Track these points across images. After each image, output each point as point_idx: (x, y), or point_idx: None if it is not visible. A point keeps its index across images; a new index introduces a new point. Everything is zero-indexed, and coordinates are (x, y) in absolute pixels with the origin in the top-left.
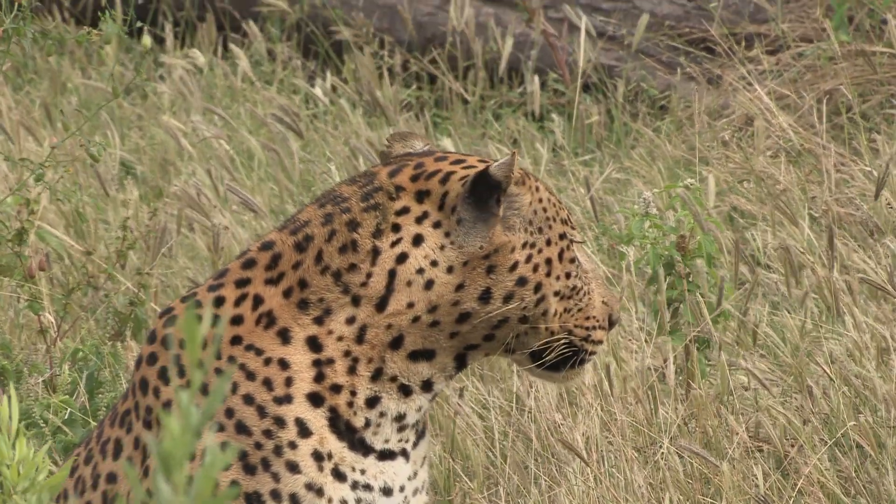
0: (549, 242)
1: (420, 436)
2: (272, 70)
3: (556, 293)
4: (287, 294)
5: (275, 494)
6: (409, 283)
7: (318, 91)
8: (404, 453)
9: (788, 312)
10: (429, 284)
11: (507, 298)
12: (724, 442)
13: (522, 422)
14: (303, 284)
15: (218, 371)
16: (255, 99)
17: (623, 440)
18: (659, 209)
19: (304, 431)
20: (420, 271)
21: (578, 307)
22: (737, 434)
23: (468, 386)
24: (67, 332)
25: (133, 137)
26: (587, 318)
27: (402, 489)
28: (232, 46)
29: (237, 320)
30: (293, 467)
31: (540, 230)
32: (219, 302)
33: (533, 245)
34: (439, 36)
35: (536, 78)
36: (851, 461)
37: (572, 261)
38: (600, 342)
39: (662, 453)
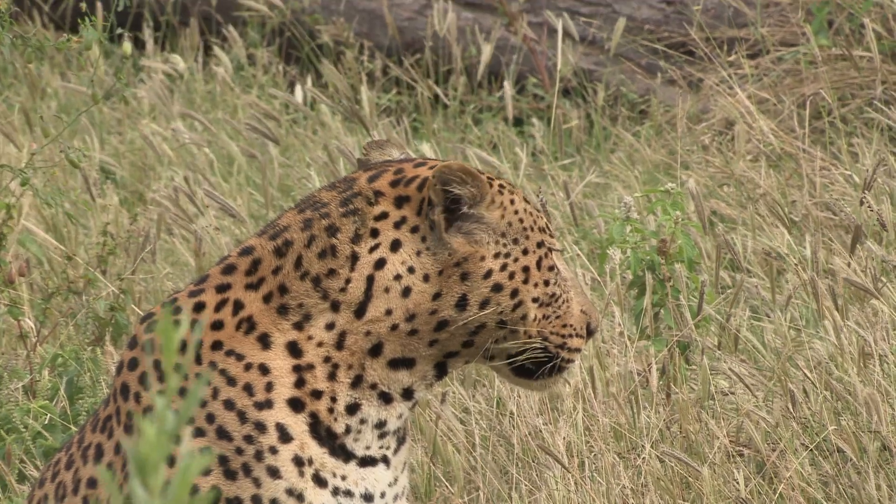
0: (525, 252)
1: (401, 442)
2: (252, 75)
3: (535, 300)
4: (267, 299)
5: (256, 500)
6: (386, 290)
7: (297, 97)
8: (385, 460)
9: (769, 317)
10: (406, 292)
11: (484, 304)
12: (706, 446)
13: (504, 426)
14: (283, 289)
15: (198, 376)
16: (235, 104)
17: (604, 445)
18: (639, 213)
19: (285, 436)
20: (397, 277)
21: (556, 314)
22: (718, 438)
23: (450, 390)
24: (47, 338)
25: (113, 142)
26: (564, 326)
27: (382, 495)
28: (215, 49)
29: (217, 325)
30: (274, 472)
31: (515, 241)
32: (199, 307)
33: (508, 255)
34: (418, 41)
35: (507, 84)
36: (832, 465)
37: (551, 268)
38: (577, 350)
39: (644, 458)
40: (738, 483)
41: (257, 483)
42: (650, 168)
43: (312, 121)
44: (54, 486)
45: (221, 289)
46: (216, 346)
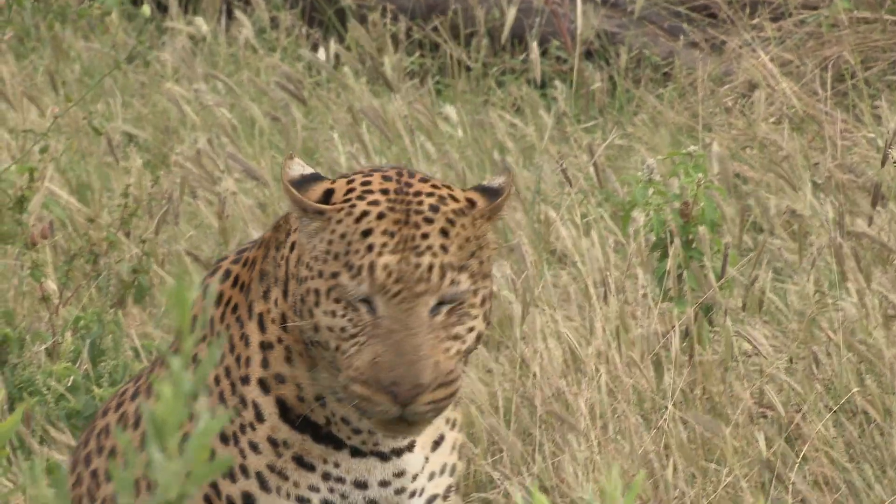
0: (321, 274)
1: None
2: (275, 38)
3: (329, 328)
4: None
5: (243, 469)
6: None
7: (320, 58)
8: (379, 455)
9: (792, 279)
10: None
11: (299, 314)
12: (729, 408)
13: (526, 388)
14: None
15: (219, 336)
16: (258, 67)
17: (627, 407)
18: (662, 176)
19: (259, 416)
20: (296, 266)
21: (347, 352)
22: (741, 400)
23: (474, 353)
24: (70, 300)
25: (136, 105)
26: (349, 368)
27: (385, 483)
28: (237, 13)
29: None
30: (254, 447)
31: (316, 259)
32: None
33: (310, 268)
34: (442, 3)
35: (536, 46)
36: (856, 427)
37: (338, 301)
38: (364, 398)
39: (666, 420)
40: (760, 445)
41: (242, 454)
42: (673, 130)
43: (336, 83)
44: (117, 415)
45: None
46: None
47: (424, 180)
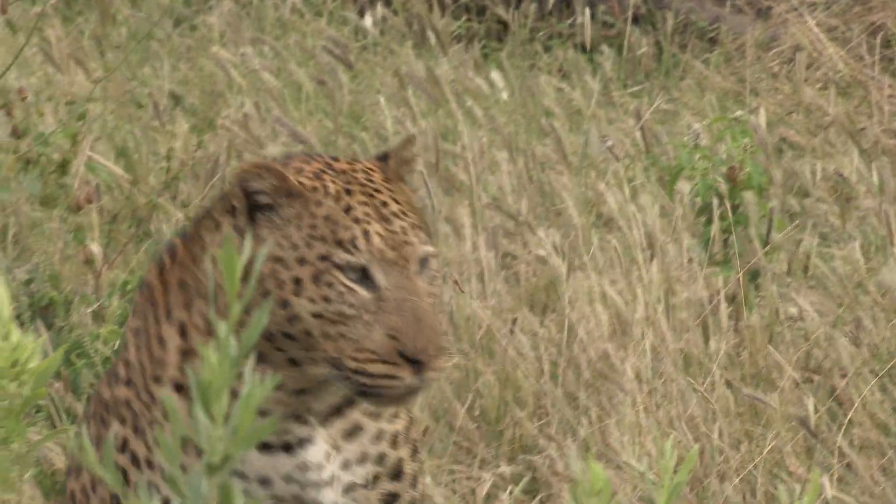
0: (301, 261)
1: (328, 419)
2: (322, 1)
3: (316, 315)
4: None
5: (149, 462)
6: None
7: (367, 22)
8: (285, 447)
9: (838, 244)
10: None
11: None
12: (774, 373)
13: (573, 352)
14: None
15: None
16: (304, 31)
17: (673, 371)
18: (708, 141)
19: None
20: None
21: (348, 336)
22: (787, 365)
23: (520, 316)
24: (115, 263)
25: (182, 69)
26: (359, 350)
27: (289, 479)
28: None
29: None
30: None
31: (295, 246)
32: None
33: (280, 260)
34: None
35: (588, 9)
36: None
37: (329, 285)
38: (390, 377)
39: (712, 384)
40: (807, 409)
41: (148, 448)
42: (719, 95)
43: (382, 47)
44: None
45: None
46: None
47: (335, 159)
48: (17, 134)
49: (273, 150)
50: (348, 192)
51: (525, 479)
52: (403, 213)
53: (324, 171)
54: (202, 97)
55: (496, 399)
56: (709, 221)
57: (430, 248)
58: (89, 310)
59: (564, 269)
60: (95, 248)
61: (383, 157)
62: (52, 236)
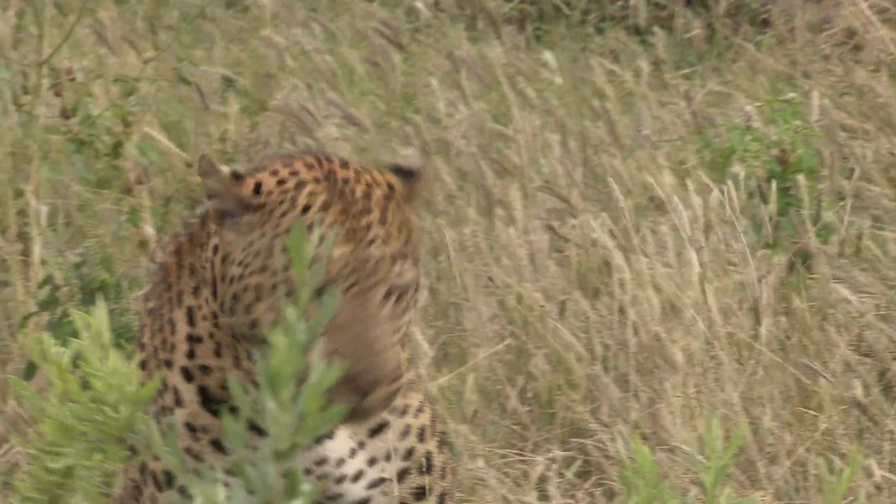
0: (263, 270)
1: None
2: None
3: (274, 324)
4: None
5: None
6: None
7: (419, 4)
8: None
9: (890, 226)
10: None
11: (230, 311)
12: (826, 355)
13: (624, 336)
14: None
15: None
16: (356, 12)
17: (725, 353)
18: (760, 123)
19: (179, 402)
20: (221, 262)
21: None
22: (837, 347)
23: (570, 299)
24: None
25: (234, 51)
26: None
27: (307, 471)
28: None
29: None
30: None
31: (257, 254)
32: None
33: (246, 265)
34: None
35: None
36: None
37: (288, 294)
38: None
39: (763, 366)
40: (857, 392)
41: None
42: (771, 78)
43: (434, 29)
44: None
45: None
46: None
47: (345, 165)
48: (66, 115)
49: (325, 132)
50: (325, 206)
51: (577, 463)
52: (385, 240)
53: (306, 181)
54: (254, 79)
55: (548, 382)
56: (761, 203)
57: (405, 279)
58: (141, 293)
59: (616, 253)
60: (149, 230)
61: (408, 173)
62: (104, 218)
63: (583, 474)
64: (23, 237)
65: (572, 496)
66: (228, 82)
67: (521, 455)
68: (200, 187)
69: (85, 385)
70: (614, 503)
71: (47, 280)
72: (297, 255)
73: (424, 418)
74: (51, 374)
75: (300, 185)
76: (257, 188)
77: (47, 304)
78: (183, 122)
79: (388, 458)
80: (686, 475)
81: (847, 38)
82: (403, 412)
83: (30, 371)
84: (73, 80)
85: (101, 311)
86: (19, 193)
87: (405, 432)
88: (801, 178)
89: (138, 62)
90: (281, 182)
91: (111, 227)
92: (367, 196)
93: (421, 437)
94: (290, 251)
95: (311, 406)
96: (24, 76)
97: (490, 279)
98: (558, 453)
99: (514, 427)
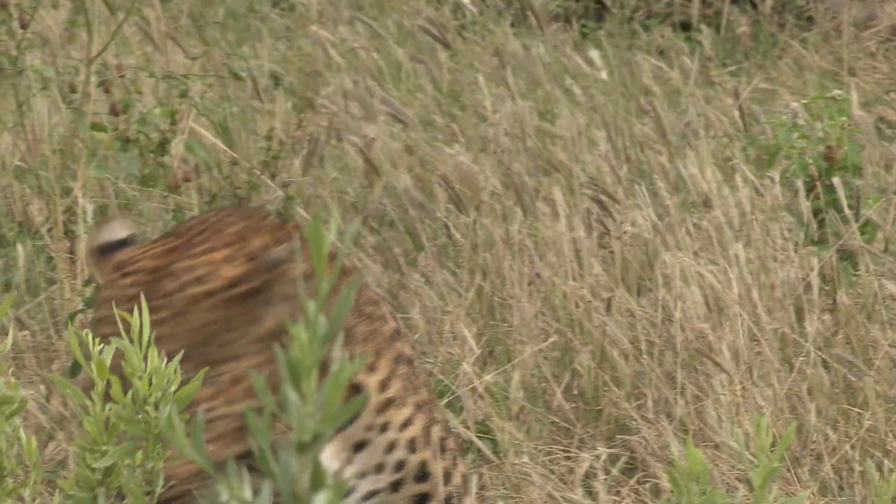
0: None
1: None
2: None
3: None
4: None
5: None
6: None
7: (465, 0)
8: None
9: None
10: None
11: None
12: (871, 351)
13: (669, 333)
14: None
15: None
16: (402, 10)
17: (770, 351)
18: (806, 120)
19: None
20: None
21: None
22: (883, 345)
23: (616, 295)
24: None
25: (281, 48)
26: None
27: None
28: None
29: None
30: None
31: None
32: None
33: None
34: None
35: None
36: None
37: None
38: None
39: (808, 364)
40: None
41: None
42: (817, 74)
43: (480, 26)
44: None
45: None
46: None
47: (210, 249)
48: (115, 112)
49: (373, 128)
50: (130, 298)
51: (622, 460)
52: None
53: (135, 271)
54: (300, 76)
55: (593, 379)
56: (806, 200)
57: None
58: None
59: (660, 249)
60: None
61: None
62: (151, 215)
63: (628, 471)
64: (69, 235)
65: (618, 493)
66: (276, 80)
67: (566, 452)
68: (247, 185)
69: (127, 384)
70: (660, 501)
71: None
72: (315, 247)
73: (414, 430)
74: (93, 373)
75: (128, 273)
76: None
77: (93, 303)
78: (230, 119)
79: (378, 470)
80: (731, 472)
81: (892, 35)
82: (384, 429)
83: (75, 369)
84: (122, 77)
85: (143, 311)
86: (66, 191)
87: (391, 447)
88: (845, 175)
89: (184, 60)
90: (121, 265)
91: (157, 224)
92: (169, 294)
93: (412, 448)
94: (309, 242)
95: (333, 397)
96: (73, 73)
97: (538, 275)
98: (604, 450)
99: (560, 424)
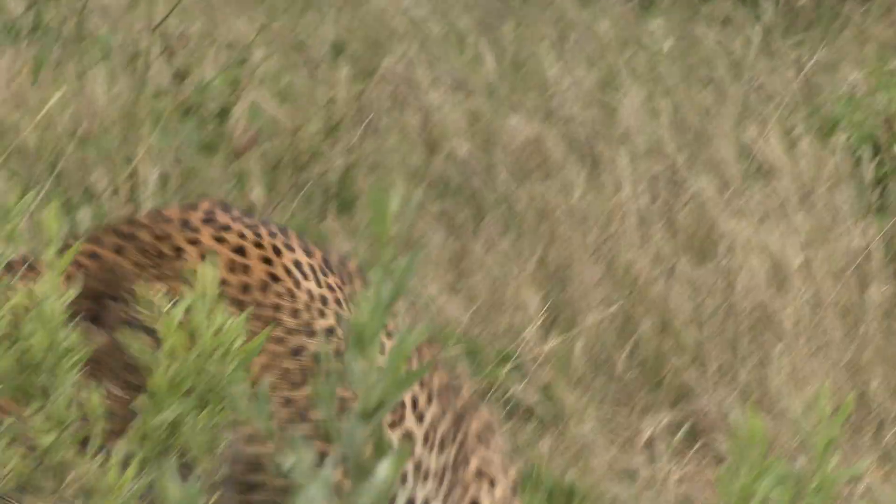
0: None
1: None
2: None
3: None
4: None
5: None
6: None
7: None
8: None
9: None
10: None
11: None
12: None
13: (732, 301)
14: None
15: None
16: None
17: (831, 320)
18: (867, 91)
19: None
20: None
21: None
22: None
23: (678, 264)
24: (276, 209)
25: (344, 17)
26: None
27: None
28: None
29: None
30: None
31: None
32: None
33: None
34: None
35: None
36: None
37: None
38: None
39: (870, 332)
40: None
41: None
42: (879, 46)
43: None
44: None
45: None
46: None
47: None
48: (179, 78)
49: (435, 97)
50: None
51: (685, 427)
52: None
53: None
54: (364, 46)
55: (655, 347)
56: (867, 169)
57: None
58: None
59: (723, 218)
60: (257, 194)
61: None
62: (213, 183)
63: (689, 438)
64: (133, 201)
65: (679, 459)
66: (338, 49)
67: (628, 419)
68: (309, 153)
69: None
70: (722, 468)
71: None
72: (377, 212)
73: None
74: (160, 330)
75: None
76: None
77: None
78: (292, 87)
79: None
80: (793, 440)
81: None
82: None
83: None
84: (186, 45)
85: (209, 268)
86: (129, 159)
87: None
88: None
89: (247, 28)
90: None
91: (219, 192)
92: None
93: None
94: (371, 207)
95: (398, 365)
96: (135, 41)
97: (605, 242)
98: (666, 417)
99: (622, 391)
